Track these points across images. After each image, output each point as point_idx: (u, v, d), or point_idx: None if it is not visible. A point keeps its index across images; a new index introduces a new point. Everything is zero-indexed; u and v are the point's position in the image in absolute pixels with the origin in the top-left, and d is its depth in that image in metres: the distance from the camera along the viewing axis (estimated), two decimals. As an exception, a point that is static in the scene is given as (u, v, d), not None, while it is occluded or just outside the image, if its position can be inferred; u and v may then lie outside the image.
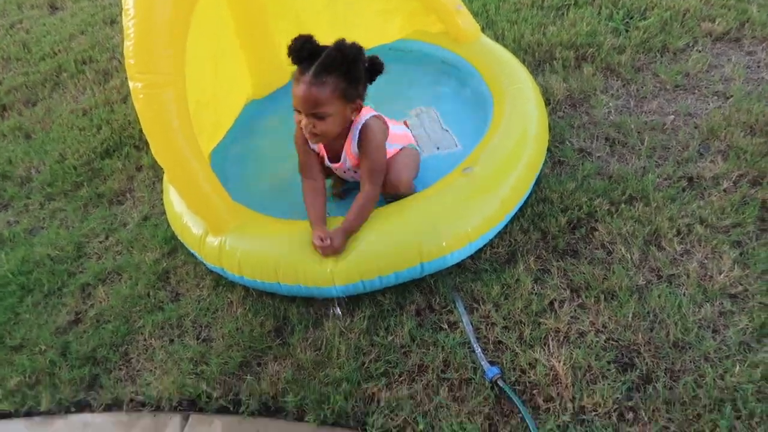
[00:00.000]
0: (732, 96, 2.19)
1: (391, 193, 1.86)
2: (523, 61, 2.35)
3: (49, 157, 2.57)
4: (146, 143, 2.47)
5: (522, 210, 1.88)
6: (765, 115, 2.07)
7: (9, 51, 3.46)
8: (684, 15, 2.62)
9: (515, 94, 2.08)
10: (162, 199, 2.18)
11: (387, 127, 1.88)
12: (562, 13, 2.78)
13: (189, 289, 1.93)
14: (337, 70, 1.62)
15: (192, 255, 1.97)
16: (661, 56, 2.45)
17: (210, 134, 2.12)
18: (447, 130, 2.21)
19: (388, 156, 1.87)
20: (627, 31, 2.60)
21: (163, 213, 2.15)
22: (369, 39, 2.36)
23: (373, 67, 1.71)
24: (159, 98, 1.70)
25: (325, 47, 1.64)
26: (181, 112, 1.74)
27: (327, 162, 1.91)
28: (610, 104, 2.27)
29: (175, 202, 1.97)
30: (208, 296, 1.88)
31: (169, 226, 2.08)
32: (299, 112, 1.68)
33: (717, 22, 2.53)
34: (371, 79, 1.74)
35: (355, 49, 1.65)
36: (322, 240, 1.66)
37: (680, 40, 2.49)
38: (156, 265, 2.01)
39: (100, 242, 2.17)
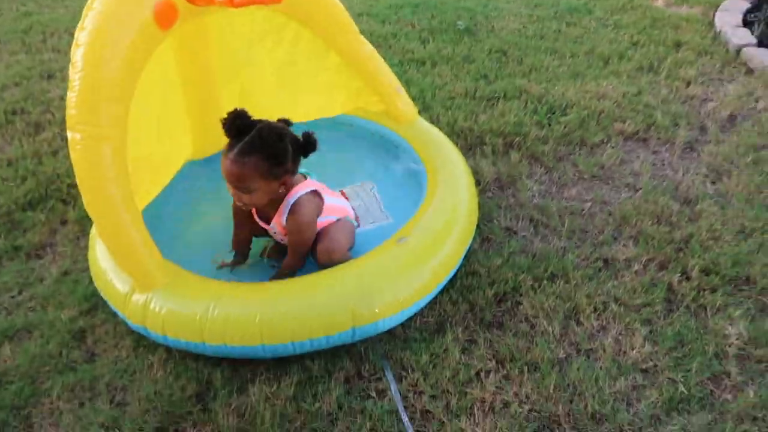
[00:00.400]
0: (641, 188, 2.41)
1: (324, 262, 1.89)
2: (456, 144, 2.50)
3: (-36, 205, 2.44)
4: (74, 197, 2.42)
5: (452, 282, 1.95)
6: (669, 207, 2.28)
7: (-67, 97, 3.32)
8: (599, 115, 2.90)
9: (448, 172, 2.21)
10: (86, 255, 2.10)
11: (322, 202, 1.93)
12: (493, 104, 3.01)
13: (106, 349, 1.83)
14: (259, 152, 1.70)
15: (113, 313, 1.89)
16: (580, 149, 2.68)
17: (145, 191, 2.09)
18: (380, 203, 2.29)
19: (321, 226, 1.93)
20: (550, 124, 2.84)
21: (86, 269, 2.06)
22: (313, 111, 2.48)
23: (307, 144, 1.80)
24: (97, 150, 1.69)
25: (256, 122, 1.73)
26: (118, 165, 1.73)
27: (258, 219, 1.97)
28: (534, 188, 2.44)
29: (101, 256, 1.91)
30: (127, 357, 1.79)
31: (90, 282, 2.00)
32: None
33: (627, 123, 2.82)
34: (305, 155, 1.82)
35: (277, 133, 1.73)
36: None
37: (596, 136, 2.75)
38: (72, 323, 1.90)
39: (12, 297, 2.04)
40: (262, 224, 1.98)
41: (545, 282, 1.96)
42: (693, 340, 1.76)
